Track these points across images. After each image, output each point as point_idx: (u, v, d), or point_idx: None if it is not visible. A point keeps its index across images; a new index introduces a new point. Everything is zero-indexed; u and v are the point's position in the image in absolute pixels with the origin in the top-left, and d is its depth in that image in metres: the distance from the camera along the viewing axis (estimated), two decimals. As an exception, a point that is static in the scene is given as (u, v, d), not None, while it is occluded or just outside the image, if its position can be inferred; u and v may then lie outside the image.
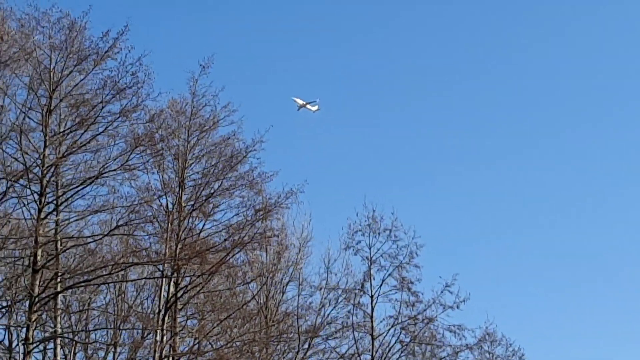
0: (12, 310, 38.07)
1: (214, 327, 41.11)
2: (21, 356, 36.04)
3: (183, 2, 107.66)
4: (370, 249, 44.71)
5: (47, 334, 39.39)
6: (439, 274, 44.92)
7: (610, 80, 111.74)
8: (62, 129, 37.45)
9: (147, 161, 38.51)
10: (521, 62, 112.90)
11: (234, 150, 40.61)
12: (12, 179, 35.97)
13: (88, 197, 38.12)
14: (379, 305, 44.51)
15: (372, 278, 44.54)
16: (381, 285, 44.42)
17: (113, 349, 42.12)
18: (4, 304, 38.37)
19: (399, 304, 44.29)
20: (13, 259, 38.61)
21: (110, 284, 42.00)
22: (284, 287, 46.74)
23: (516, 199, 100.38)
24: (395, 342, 44.47)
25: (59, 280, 37.23)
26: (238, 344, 40.99)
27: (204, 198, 39.93)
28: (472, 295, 44.47)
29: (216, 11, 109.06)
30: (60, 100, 37.23)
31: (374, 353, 44.21)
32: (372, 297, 44.39)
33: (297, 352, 44.96)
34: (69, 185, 37.71)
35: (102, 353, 44.12)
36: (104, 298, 44.47)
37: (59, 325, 38.59)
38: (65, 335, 40.23)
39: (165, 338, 38.49)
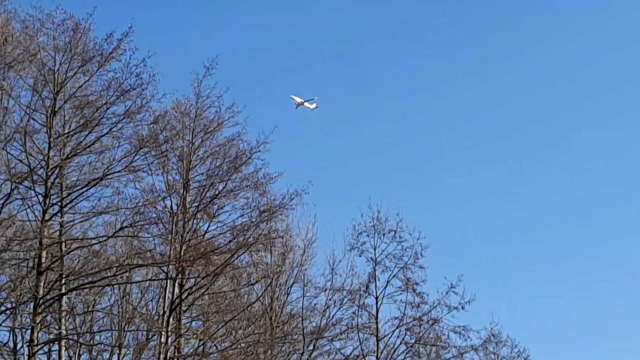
0: (17, 312, 38.09)
1: (219, 329, 41.08)
2: (26, 358, 36.04)
3: (186, 3, 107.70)
4: (375, 250, 44.71)
5: (51, 336, 39.38)
6: (444, 275, 44.87)
7: (616, 83, 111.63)
8: (66, 131, 37.43)
9: (152, 162, 38.51)
10: (528, 66, 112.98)
11: (239, 151, 40.59)
12: (17, 181, 35.96)
13: (92, 198, 38.16)
14: (384, 306, 44.54)
15: (377, 279, 44.54)
16: (386, 286, 44.44)
17: (118, 351, 42.08)
18: (9, 305, 38.38)
19: (404, 305, 44.28)
20: (17, 261, 38.59)
21: (115, 286, 41.96)
22: (288, 288, 46.71)
23: (521, 200, 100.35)
24: (400, 344, 44.45)
25: (63, 282, 37.22)
26: (243, 345, 40.97)
27: (209, 199, 39.90)
28: (477, 296, 44.47)
29: (219, 12, 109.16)
30: (65, 102, 37.22)
31: (379, 354, 44.16)
32: (377, 298, 44.36)
33: (302, 354, 44.90)
34: (73, 186, 37.69)
35: (106, 355, 44.09)
36: (109, 300, 44.46)
37: (63, 327, 38.58)
38: (70, 337, 40.21)
39: (170, 339, 38.47)
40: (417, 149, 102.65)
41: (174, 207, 39.53)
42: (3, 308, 38.06)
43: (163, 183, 39.89)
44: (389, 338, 44.48)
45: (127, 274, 39.99)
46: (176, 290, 39.16)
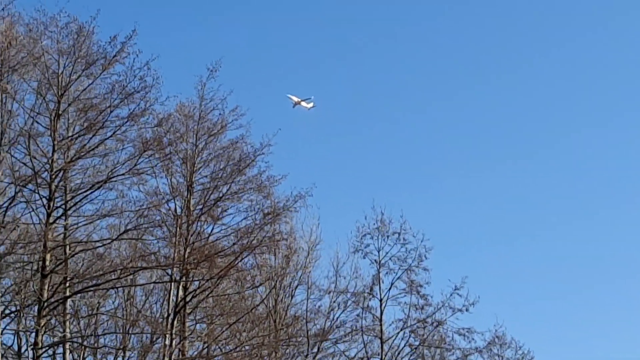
0: (21, 314, 38.11)
1: (223, 331, 41.09)
2: (30, 361, 36.09)
3: (190, 6, 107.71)
4: (379, 252, 44.79)
5: (56, 339, 39.40)
6: (448, 277, 45.17)
7: (617, 83, 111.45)
8: (70, 134, 37.47)
9: (156, 165, 38.54)
10: (528, 66, 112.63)
11: (242, 153, 40.58)
12: (21, 184, 36.01)
13: (96, 201, 38.20)
14: (388, 308, 44.60)
15: (381, 281, 44.59)
16: (390, 288, 44.50)
17: (122, 354, 42.09)
18: (13, 308, 38.40)
19: (408, 307, 44.37)
20: (22, 264, 38.63)
21: (119, 289, 41.94)
22: (292, 290, 46.71)
23: (524, 201, 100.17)
24: (405, 346, 44.52)
25: (67, 284, 37.24)
26: (247, 347, 40.97)
27: (213, 202, 39.91)
28: (482, 298, 44.56)
29: (219, 12, 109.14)
30: (69, 105, 37.25)
31: (383, 356, 44.19)
32: (381, 300, 44.39)
33: (306, 356, 44.93)
34: (77, 189, 37.71)
35: (111, 357, 44.10)
36: (113, 302, 44.47)
37: (67, 330, 38.59)
38: (74, 339, 40.23)
39: (174, 342, 38.47)
40: (418, 150, 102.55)
41: (178, 210, 39.54)
42: (7, 311, 38.07)
43: (167, 186, 39.92)
44: (393, 340, 44.58)
45: (131, 276, 40.01)
46: (180, 292, 39.17)
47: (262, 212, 40.22)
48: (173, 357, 38.24)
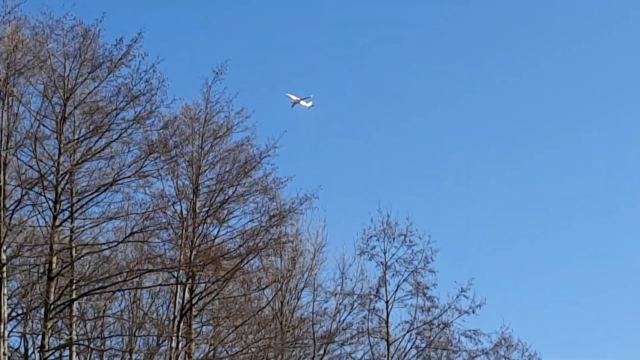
0: (28, 317, 38.20)
1: (229, 334, 41.11)
2: (37, 363, 36.15)
3: (196, 9, 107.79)
4: (385, 254, 44.72)
5: (62, 341, 39.45)
6: (454, 278, 44.88)
7: (622, 86, 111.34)
8: (76, 137, 37.53)
9: (161, 168, 38.58)
10: (533, 69, 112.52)
11: (248, 156, 40.64)
12: (27, 187, 36.09)
13: (103, 204, 38.28)
14: (395, 310, 44.53)
15: (387, 283, 44.52)
16: (396, 290, 44.42)
17: (128, 356, 42.09)
18: (20, 311, 38.51)
19: (415, 309, 44.29)
20: (28, 267, 38.73)
21: (125, 291, 41.98)
22: (299, 292, 46.70)
23: (532, 203, 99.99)
24: (411, 348, 44.43)
25: (74, 287, 37.30)
26: (253, 350, 40.98)
27: (219, 204, 39.96)
28: (488, 300, 44.47)
29: (220, 12, 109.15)
30: (75, 108, 37.33)
31: (390, 358, 44.15)
32: (387, 302, 44.34)
33: (313, 358, 44.91)
34: (83, 192, 37.79)
35: (117, 360, 44.18)
36: (119, 305, 44.53)
37: (74, 333, 38.64)
38: (81, 342, 40.28)
39: (180, 345, 38.51)
40: (421, 151, 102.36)
41: (184, 212, 39.60)
42: (14, 314, 38.18)
43: (173, 188, 39.97)
44: (400, 342, 44.49)
45: (137, 279, 40.07)
46: (186, 295, 39.21)
47: (268, 214, 40.28)
48: (179, 359, 38.26)
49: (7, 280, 35.36)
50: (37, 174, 36.09)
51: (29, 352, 39.90)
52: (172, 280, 40.42)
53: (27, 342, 40.26)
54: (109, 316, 43.34)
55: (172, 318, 39.84)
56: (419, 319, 44.25)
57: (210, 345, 41.77)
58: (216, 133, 40.64)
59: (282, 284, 45.25)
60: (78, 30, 36.92)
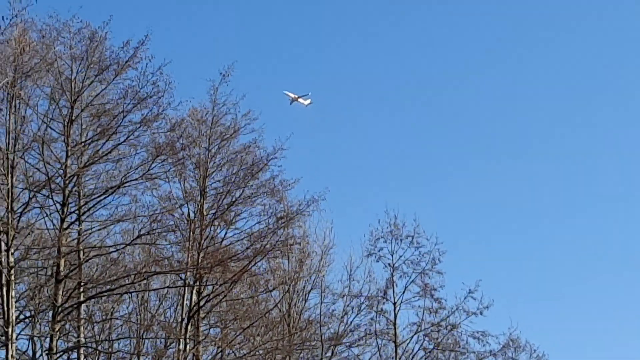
0: (36, 320, 38.22)
1: (237, 336, 41.10)
2: (45, 366, 36.17)
3: (203, 11, 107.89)
4: (392, 255, 44.65)
5: (70, 344, 39.50)
6: (462, 280, 44.78)
7: (626, 83, 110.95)
8: (83, 139, 37.58)
9: (169, 170, 38.61)
10: (539, 62, 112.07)
11: (255, 158, 40.66)
12: (35, 190, 36.11)
13: (110, 206, 38.30)
14: (402, 312, 44.46)
15: (394, 285, 44.48)
16: (404, 292, 44.36)
17: (136, 358, 42.12)
18: (28, 314, 38.54)
19: (422, 311, 44.22)
20: (36, 269, 38.77)
21: (133, 293, 42.04)
22: (306, 294, 46.68)
23: (541, 204, 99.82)
24: (419, 349, 44.38)
25: (82, 290, 37.36)
26: (261, 352, 40.97)
27: (226, 206, 39.97)
28: (496, 301, 44.37)
29: (229, 17, 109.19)
30: (82, 111, 37.36)
31: (398, 360, 44.09)
32: (394, 304, 44.30)
33: (320, 360, 44.90)
34: (91, 195, 37.84)
35: (125, 362, 44.19)
36: (127, 307, 44.54)
37: (82, 335, 38.70)
38: (89, 344, 40.31)
39: (188, 347, 38.51)
40: (425, 150, 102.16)
41: (191, 215, 39.61)
42: (22, 316, 38.21)
43: (180, 190, 40.01)
44: (407, 344, 44.44)
45: (145, 281, 40.09)
46: (194, 297, 39.22)
47: (275, 216, 40.28)
48: (187, 361, 38.28)
49: (15, 283, 35.37)
50: (45, 176, 36.13)
51: (37, 354, 39.95)
52: (180, 283, 40.46)
53: (35, 344, 40.32)
54: (116, 318, 43.37)
55: (179, 320, 39.85)
56: (427, 320, 44.21)
57: (218, 347, 41.77)
58: (223, 135, 40.66)
59: (290, 285, 45.24)
60: (85, 33, 36.97)
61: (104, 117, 37.60)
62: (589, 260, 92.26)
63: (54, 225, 36.87)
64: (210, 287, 40.10)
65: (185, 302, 39.46)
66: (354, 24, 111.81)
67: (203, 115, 40.81)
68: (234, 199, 40.12)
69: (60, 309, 35.84)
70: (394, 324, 44.25)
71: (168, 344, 41.49)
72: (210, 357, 42.32)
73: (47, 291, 37.05)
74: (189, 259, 38.15)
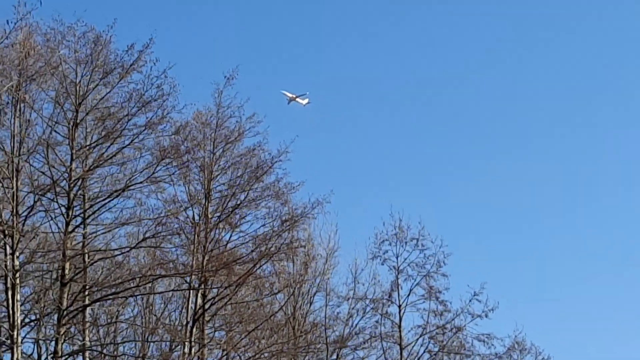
0: (41, 323, 38.25)
1: (242, 339, 41.09)
2: (50, 369, 36.19)
3: (202, 11, 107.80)
4: (397, 258, 44.60)
5: (75, 347, 39.51)
6: (467, 282, 44.69)
7: (628, 82, 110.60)
8: (88, 143, 37.64)
9: (173, 173, 38.63)
10: (545, 60, 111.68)
11: (260, 161, 40.67)
12: (40, 193, 36.16)
13: (115, 209, 38.37)
14: (407, 314, 44.41)
15: (399, 287, 44.44)
16: (409, 294, 44.31)
17: (141, 361, 42.19)
18: (33, 317, 38.59)
19: (427, 314, 44.15)
20: (41, 273, 38.82)
21: (138, 297, 42.07)
22: (311, 297, 46.73)
23: (546, 206, 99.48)
24: (424, 352, 44.31)
25: (87, 293, 37.37)
26: (266, 355, 40.97)
27: (231, 209, 39.99)
28: (501, 304, 44.29)
29: (234, 18, 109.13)
30: (87, 114, 37.41)
31: (403, 363, 44.05)
32: (399, 306, 44.25)
33: (326, 363, 44.89)
34: (95, 198, 37.88)
35: (130, 365, 44.21)
36: (132, 310, 44.59)
37: (87, 338, 38.75)
38: (94, 348, 40.36)
39: (193, 350, 38.51)
40: (426, 151, 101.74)
41: (196, 218, 39.63)
42: (27, 320, 38.26)
43: (185, 193, 40.04)
44: (413, 346, 44.37)
45: (150, 284, 40.14)
46: (199, 300, 39.23)
47: (280, 219, 40.27)
48: (192, 364, 38.28)
49: (20, 287, 35.40)
50: (50, 180, 36.17)
51: (42, 358, 39.99)
52: (185, 286, 40.47)
53: (40, 348, 40.34)
54: (121, 322, 43.40)
55: (184, 323, 39.86)
56: (432, 323, 44.14)
57: (223, 350, 41.75)
58: (228, 138, 40.68)
59: (295, 288, 45.26)
60: (89, 37, 37.01)
61: (109, 121, 37.66)
62: (590, 260, 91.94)
63: (59, 228, 36.94)
64: (215, 290, 40.10)
65: (190, 305, 39.47)
66: (353, 24, 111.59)
67: (207, 118, 40.85)
68: (238, 202, 40.13)
69: (65, 312, 35.87)
70: (399, 326, 44.20)
71: (173, 347, 41.52)
72: (215, 360, 42.33)
73: (52, 294, 37.07)
74: (194, 262, 38.18)
